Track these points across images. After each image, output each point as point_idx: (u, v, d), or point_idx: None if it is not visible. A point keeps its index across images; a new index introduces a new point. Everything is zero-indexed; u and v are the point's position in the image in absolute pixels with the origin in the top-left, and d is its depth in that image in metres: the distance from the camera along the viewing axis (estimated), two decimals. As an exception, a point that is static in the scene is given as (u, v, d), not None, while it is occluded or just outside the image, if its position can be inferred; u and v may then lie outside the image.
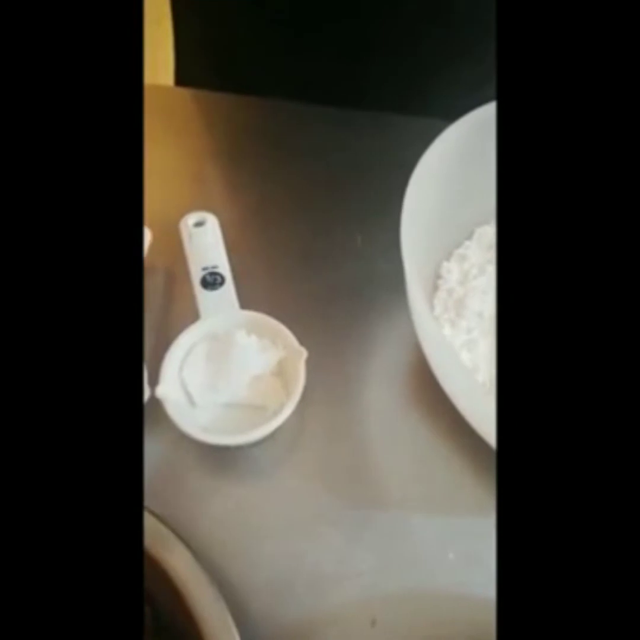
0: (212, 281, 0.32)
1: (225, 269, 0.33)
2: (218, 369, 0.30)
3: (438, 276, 0.32)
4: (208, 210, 0.36)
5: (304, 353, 0.29)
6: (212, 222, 0.36)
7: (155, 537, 0.22)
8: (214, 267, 0.33)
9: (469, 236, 0.33)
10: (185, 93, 0.45)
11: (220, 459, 0.30)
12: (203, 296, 0.32)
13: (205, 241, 0.35)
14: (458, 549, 0.28)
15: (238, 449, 0.29)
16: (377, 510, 0.29)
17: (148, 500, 0.24)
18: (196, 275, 0.33)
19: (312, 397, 0.31)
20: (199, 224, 0.36)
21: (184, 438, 0.29)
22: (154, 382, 0.29)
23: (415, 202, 0.26)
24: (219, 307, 0.32)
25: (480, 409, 0.24)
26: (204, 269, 0.33)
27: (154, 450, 0.29)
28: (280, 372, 0.31)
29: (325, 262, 0.36)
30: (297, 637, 0.25)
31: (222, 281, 0.33)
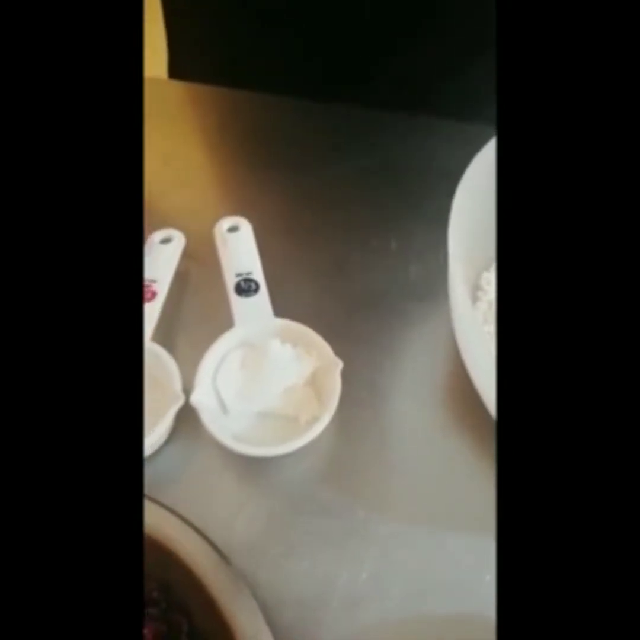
0: (246, 288, 0.32)
1: (259, 276, 0.33)
2: (252, 378, 0.30)
3: (477, 287, 0.32)
4: (240, 215, 0.36)
5: (339, 364, 0.29)
6: (246, 228, 0.35)
7: (191, 546, 0.22)
8: (248, 273, 0.33)
9: (511, 247, 0.32)
10: (207, 91, 0.45)
11: (252, 468, 0.29)
12: (237, 303, 0.32)
13: (239, 247, 0.34)
14: (494, 579, 0.27)
15: (270, 458, 0.29)
16: (411, 528, 0.28)
17: (180, 507, 0.23)
18: (230, 281, 0.32)
19: (342, 407, 0.30)
20: (232, 229, 0.35)
21: (217, 445, 0.28)
22: (188, 388, 0.28)
23: (462, 211, 0.26)
24: (254, 315, 0.31)
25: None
26: (238, 275, 0.33)
27: (187, 457, 0.29)
28: (314, 382, 0.30)
29: (359, 268, 0.36)
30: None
31: (257, 288, 0.32)
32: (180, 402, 0.28)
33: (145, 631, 0.22)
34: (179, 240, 0.35)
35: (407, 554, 0.27)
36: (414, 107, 0.42)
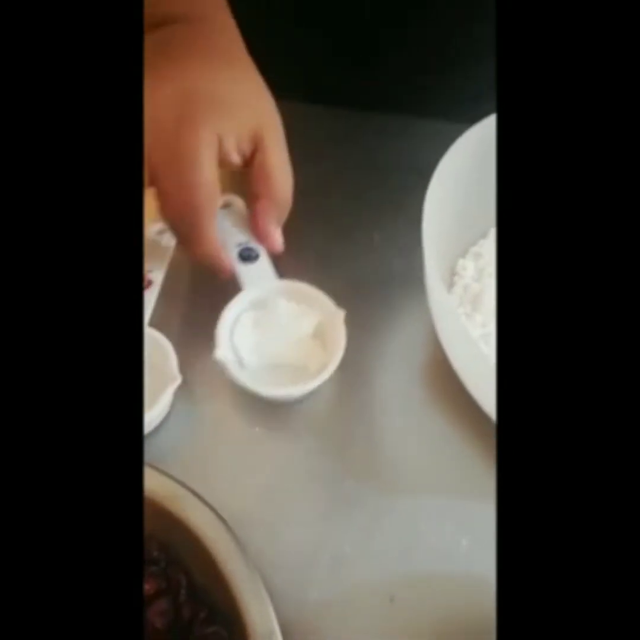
0: (247, 255, 0.34)
1: (257, 244, 0.35)
2: (264, 334, 0.32)
3: (453, 273, 0.34)
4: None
5: (341, 313, 0.31)
6: (239, 203, 0.37)
7: (191, 509, 0.23)
8: (247, 242, 0.35)
9: (484, 235, 0.35)
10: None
11: (246, 443, 0.31)
12: (242, 269, 0.34)
13: (234, 220, 0.36)
14: (472, 535, 0.29)
15: (264, 434, 0.31)
16: (395, 495, 0.30)
17: (182, 474, 0.25)
18: (232, 252, 0.34)
19: (331, 388, 0.32)
20: (226, 205, 0.37)
21: (212, 422, 0.30)
22: (184, 369, 0.30)
23: (436, 201, 0.28)
24: (259, 278, 0.34)
25: (494, 392, 0.26)
26: (238, 245, 0.35)
27: (184, 433, 0.31)
28: (320, 334, 0.33)
29: (344, 259, 0.38)
30: (321, 609, 0.27)
31: (257, 255, 0.34)
32: (178, 381, 0.30)
33: (146, 587, 0.23)
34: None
35: (391, 519, 0.29)
36: (405, 108, 0.44)
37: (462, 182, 0.30)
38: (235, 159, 0.31)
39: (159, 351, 0.31)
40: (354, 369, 0.33)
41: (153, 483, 0.24)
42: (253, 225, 0.34)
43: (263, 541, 0.28)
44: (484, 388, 0.28)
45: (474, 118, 0.31)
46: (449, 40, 0.43)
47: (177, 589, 0.23)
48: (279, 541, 0.28)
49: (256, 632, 0.21)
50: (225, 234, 0.35)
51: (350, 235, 0.39)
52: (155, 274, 0.34)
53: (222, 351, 0.30)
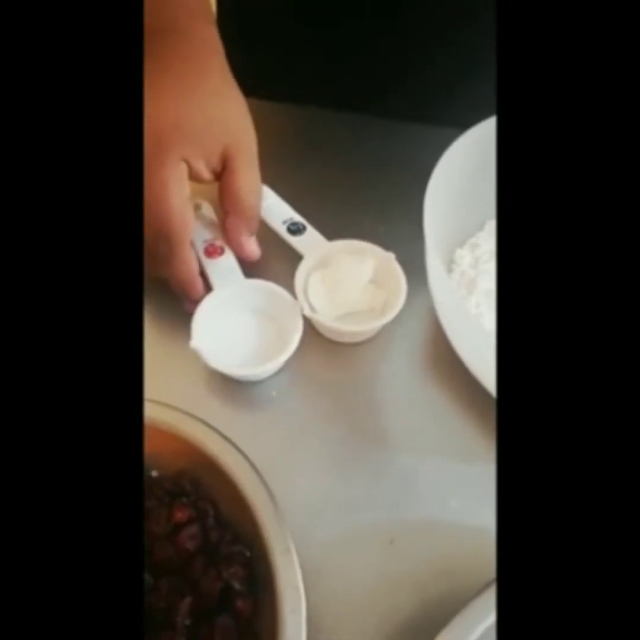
0: (295, 229, 0.39)
1: (300, 218, 0.39)
2: (331, 288, 0.36)
3: (451, 261, 0.38)
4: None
5: (392, 255, 0.36)
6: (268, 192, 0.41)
7: (221, 449, 0.27)
8: (291, 218, 0.39)
9: (481, 228, 0.39)
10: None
11: (269, 401, 0.35)
12: (296, 242, 0.38)
13: (270, 201, 0.40)
14: (463, 493, 0.32)
15: (280, 397, 0.34)
16: (394, 453, 0.33)
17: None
18: (280, 229, 0.39)
19: (343, 360, 0.36)
20: None
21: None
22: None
23: (436, 196, 0.31)
24: (312, 246, 0.38)
25: (488, 362, 0.29)
26: (284, 222, 0.39)
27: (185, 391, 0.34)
28: (376, 278, 0.37)
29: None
30: (327, 549, 0.30)
31: (304, 227, 0.39)
32: (301, 306, 0.34)
33: (179, 514, 0.27)
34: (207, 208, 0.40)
35: (390, 473, 0.33)
36: (407, 114, 0.47)
37: (459, 180, 0.34)
38: (207, 176, 0.34)
39: (269, 296, 0.36)
40: (361, 344, 0.37)
41: (191, 428, 0.27)
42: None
43: (276, 492, 0.31)
44: (479, 359, 0.31)
45: (469, 123, 0.35)
46: (450, 49, 0.46)
47: (205, 517, 0.27)
48: (291, 491, 0.31)
49: (274, 549, 0.25)
50: (268, 213, 0.39)
51: (358, 227, 0.42)
52: (221, 242, 0.38)
53: (306, 309, 0.35)
